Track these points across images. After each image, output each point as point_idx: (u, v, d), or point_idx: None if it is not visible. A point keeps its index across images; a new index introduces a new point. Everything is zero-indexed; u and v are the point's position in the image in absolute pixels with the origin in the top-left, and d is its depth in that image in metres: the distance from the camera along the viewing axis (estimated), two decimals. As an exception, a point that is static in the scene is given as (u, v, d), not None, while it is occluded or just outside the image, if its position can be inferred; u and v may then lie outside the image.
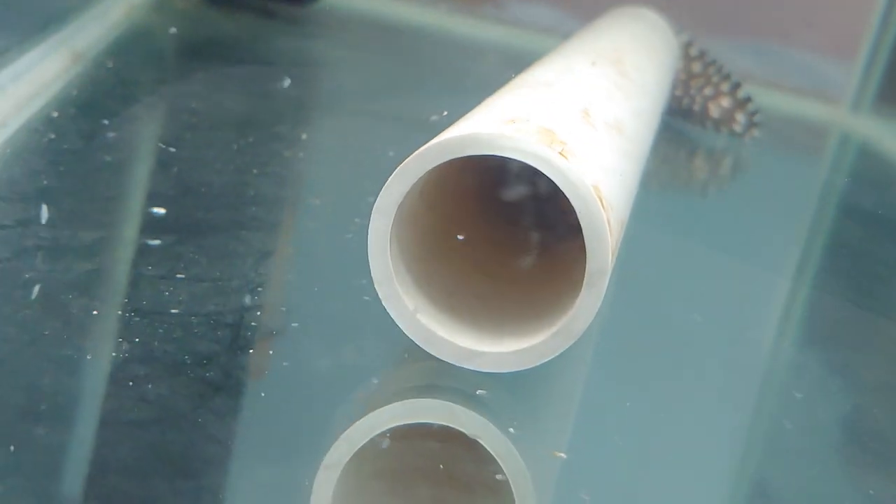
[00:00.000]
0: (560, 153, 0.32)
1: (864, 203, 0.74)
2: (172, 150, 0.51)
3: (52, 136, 0.50)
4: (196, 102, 0.60)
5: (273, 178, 0.50)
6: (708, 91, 0.79)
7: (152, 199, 0.45)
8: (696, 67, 0.80)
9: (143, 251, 0.40)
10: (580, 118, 0.38)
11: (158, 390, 0.32)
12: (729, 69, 0.80)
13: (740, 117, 0.79)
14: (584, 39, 0.59)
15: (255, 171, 0.50)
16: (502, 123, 0.34)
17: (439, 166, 0.34)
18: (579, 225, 0.33)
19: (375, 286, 0.34)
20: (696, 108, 0.79)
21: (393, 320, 0.35)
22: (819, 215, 0.71)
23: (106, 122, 0.53)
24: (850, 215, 0.70)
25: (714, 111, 0.79)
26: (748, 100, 0.78)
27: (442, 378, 0.36)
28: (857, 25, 0.97)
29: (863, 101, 0.97)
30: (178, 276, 0.38)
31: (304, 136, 0.58)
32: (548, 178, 0.33)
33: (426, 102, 0.68)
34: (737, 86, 0.78)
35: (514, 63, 0.54)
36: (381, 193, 0.34)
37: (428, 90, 0.77)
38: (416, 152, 0.34)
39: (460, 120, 0.36)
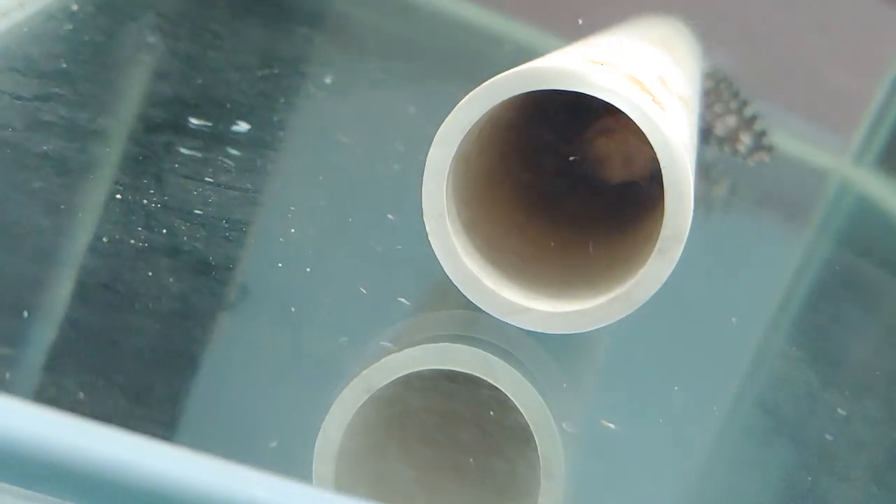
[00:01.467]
0: (653, 101, 0.30)
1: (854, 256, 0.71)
2: (196, 62, 0.48)
3: (71, 27, 0.46)
4: (217, 25, 0.57)
5: (299, 110, 0.48)
6: (717, 108, 0.77)
7: (175, 104, 0.42)
8: (709, 83, 0.78)
9: (167, 149, 0.37)
10: (658, 82, 0.35)
11: (180, 286, 0.29)
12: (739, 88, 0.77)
13: (745, 137, 0.76)
14: (623, 29, 0.57)
15: (281, 99, 0.47)
16: (589, 64, 0.31)
17: (504, 106, 0.31)
18: (644, 187, 0.31)
19: (424, 219, 0.31)
20: (703, 123, 0.76)
21: (429, 262, 0.32)
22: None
23: (128, 23, 0.50)
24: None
25: (719, 129, 0.76)
26: (754, 118, 0.75)
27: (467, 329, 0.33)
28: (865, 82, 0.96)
29: (866, 154, 0.96)
30: (207, 179, 0.35)
31: (328, 80, 0.55)
32: (615, 132, 0.31)
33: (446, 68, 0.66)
34: (744, 104, 0.76)
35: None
36: (446, 120, 0.31)
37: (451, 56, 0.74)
38: (493, 79, 0.31)
39: (532, 61, 0.34)
